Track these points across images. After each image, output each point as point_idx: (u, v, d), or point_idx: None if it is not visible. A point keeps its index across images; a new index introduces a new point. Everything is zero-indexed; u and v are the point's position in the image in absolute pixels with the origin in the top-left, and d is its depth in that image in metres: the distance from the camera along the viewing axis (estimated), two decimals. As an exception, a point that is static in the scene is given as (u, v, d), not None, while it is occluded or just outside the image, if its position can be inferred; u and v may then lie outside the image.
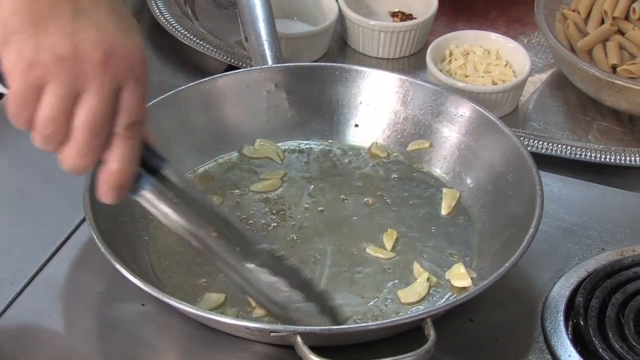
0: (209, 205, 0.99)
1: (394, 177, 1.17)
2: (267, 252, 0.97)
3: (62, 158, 0.86)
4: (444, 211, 1.12)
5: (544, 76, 1.38)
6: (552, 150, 1.22)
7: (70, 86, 0.82)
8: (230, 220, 0.98)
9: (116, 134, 0.85)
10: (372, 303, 1.02)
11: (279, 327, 0.94)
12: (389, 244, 1.08)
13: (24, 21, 0.81)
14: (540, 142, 1.23)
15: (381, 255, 1.06)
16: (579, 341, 1.00)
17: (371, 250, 1.07)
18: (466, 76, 1.30)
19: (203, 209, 0.95)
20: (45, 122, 0.83)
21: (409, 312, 1.00)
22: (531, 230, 1.00)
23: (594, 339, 0.98)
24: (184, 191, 0.93)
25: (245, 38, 1.30)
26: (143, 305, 1.02)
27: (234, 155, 1.19)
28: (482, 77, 1.30)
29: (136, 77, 0.85)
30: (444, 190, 1.14)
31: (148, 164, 0.89)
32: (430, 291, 1.03)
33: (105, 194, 0.88)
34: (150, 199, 0.91)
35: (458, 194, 1.13)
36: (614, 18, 1.33)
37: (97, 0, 0.84)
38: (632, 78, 1.27)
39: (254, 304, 1.01)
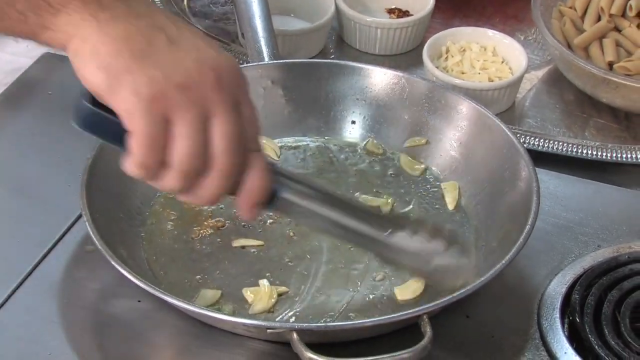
0: (329, 191, 0.97)
1: (390, 174, 1.17)
2: (399, 216, 0.97)
3: (200, 192, 0.83)
4: (450, 206, 1.12)
5: (540, 73, 1.38)
6: (548, 147, 1.22)
7: (197, 112, 0.80)
8: (352, 200, 0.99)
9: (249, 150, 0.84)
10: (368, 300, 1.02)
11: (275, 323, 0.95)
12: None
13: (127, 61, 0.79)
14: (537, 139, 1.23)
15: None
16: (575, 338, 1.00)
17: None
18: (463, 73, 1.30)
19: (327, 195, 0.94)
20: (185, 157, 0.80)
21: (406, 309, 1.00)
22: (527, 227, 1.00)
23: (590, 335, 0.98)
24: (304, 183, 0.92)
25: (242, 34, 1.30)
26: (139, 301, 1.02)
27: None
28: (479, 73, 1.30)
29: (245, 89, 0.84)
30: (443, 185, 1.14)
31: None
32: (427, 288, 1.03)
33: (250, 213, 0.87)
34: (286, 204, 0.90)
35: (457, 185, 1.13)
36: (610, 15, 1.33)
37: (180, 26, 0.83)
38: (628, 75, 1.27)
39: (250, 300, 1.01)
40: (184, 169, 0.81)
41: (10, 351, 0.98)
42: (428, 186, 1.15)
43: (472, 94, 1.21)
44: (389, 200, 1.11)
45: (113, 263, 0.96)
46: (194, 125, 0.80)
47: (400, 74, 1.19)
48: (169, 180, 0.82)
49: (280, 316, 1.00)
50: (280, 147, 1.19)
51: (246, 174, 0.84)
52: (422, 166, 1.16)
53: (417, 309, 0.95)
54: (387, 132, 1.20)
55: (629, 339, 0.97)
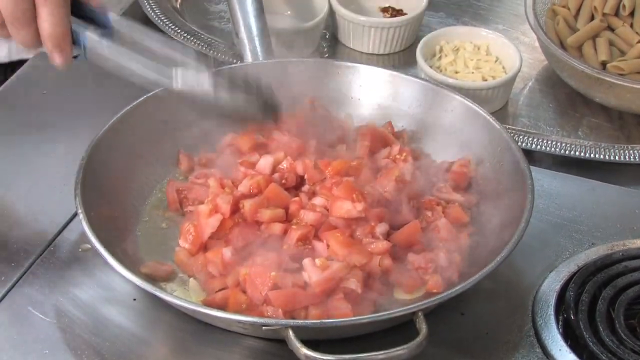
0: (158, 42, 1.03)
1: (385, 173, 1.17)
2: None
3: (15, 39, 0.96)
4: None
5: (534, 72, 1.39)
6: (542, 146, 1.22)
7: None
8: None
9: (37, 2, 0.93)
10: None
11: (271, 320, 0.95)
12: None
13: None
14: (531, 138, 1.23)
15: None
16: (570, 335, 1.00)
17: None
18: (456, 72, 1.31)
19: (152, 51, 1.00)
20: None
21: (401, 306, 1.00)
22: (522, 224, 1.00)
23: (584, 333, 0.98)
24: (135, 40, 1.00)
25: (236, 34, 1.30)
26: (134, 300, 1.02)
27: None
28: (472, 73, 1.31)
29: None
30: None
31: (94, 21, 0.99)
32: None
33: (52, 55, 0.97)
34: (96, 53, 0.99)
35: None
36: (603, 14, 1.33)
37: None
38: (621, 75, 1.27)
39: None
40: None
41: (6, 350, 0.98)
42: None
43: (466, 93, 1.21)
44: None
45: (109, 261, 0.96)
46: None
47: (394, 72, 1.20)
48: None
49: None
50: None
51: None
52: None
53: (412, 305, 0.95)
54: (381, 130, 1.20)
55: (623, 336, 0.98)
